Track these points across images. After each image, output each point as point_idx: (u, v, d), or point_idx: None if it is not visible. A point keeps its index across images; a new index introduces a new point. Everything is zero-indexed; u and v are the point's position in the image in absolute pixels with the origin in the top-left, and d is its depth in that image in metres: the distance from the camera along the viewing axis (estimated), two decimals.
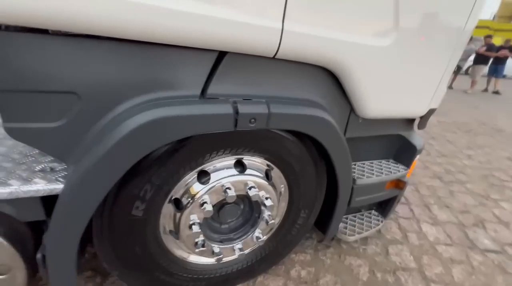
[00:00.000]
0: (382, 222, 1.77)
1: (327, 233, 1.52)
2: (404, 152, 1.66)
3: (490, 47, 9.47)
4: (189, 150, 0.94)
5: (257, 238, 1.25)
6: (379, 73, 1.17)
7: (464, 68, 12.61)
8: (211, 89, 0.91)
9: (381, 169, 1.58)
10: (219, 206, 1.17)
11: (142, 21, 0.71)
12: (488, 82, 10.38)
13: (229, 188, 1.06)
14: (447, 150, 3.75)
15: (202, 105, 0.87)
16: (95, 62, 0.76)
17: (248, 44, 0.86)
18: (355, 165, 1.59)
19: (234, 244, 1.24)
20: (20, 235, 0.92)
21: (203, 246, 1.13)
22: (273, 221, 1.22)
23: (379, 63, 1.14)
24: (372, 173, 1.53)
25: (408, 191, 2.51)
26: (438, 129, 4.74)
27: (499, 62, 9.58)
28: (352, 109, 1.30)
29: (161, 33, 0.75)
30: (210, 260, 1.24)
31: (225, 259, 1.28)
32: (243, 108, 0.90)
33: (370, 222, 1.75)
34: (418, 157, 1.68)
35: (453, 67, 1.42)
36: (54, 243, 0.84)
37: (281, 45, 0.90)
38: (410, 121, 1.63)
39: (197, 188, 1.04)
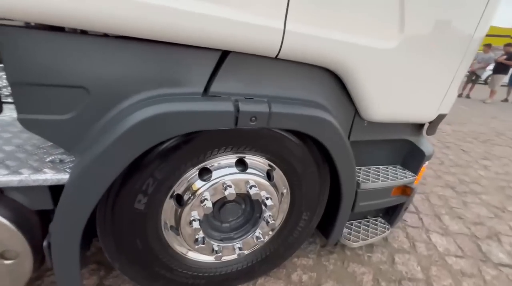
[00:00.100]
0: (388, 229, 1.73)
1: (330, 237, 1.49)
2: (412, 157, 1.63)
3: (510, 56, 9.14)
4: (190, 146, 0.97)
5: (258, 238, 1.25)
6: (383, 76, 1.16)
7: (484, 77, 12.23)
8: (214, 88, 0.94)
9: (387, 174, 1.55)
10: (221, 204, 1.18)
11: (150, 20, 0.75)
12: (508, 92, 10.01)
13: (229, 186, 1.07)
14: (461, 159, 3.62)
15: (204, 103, 0.90)
16: (104, 59, 0.80)
17: (250, 44, 0.88)
18: (360, 169, 1.56)
19: (234, 243, 1.24)
20: (29, 222, 0.96)
21: (203, 243, 1.14)
22: (273, 222, 1.21)
23: (383, 65, 1.13)
24: (377, 177, 1.50)
25: (418, 200, 2.43)
26: (453, 138, 4.59)
27: None
28: (356, 112, 1.30)
29: (167, 32, 0.79)
30: (210, 258, 1.25)
31: (225, 258, 1.28)
32: (244, 107, 0.92)
33: (376, 229, 1.71)
34: (427, 163, 1.64)
35: (463, 73, 1.39)
36: (59, 231, 0.87)
37: (283, 46, 0.91)
38: (418, 127, 1.60)
39: (199, 184, 1.06)
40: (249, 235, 1.27)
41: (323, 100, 1.16)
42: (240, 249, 1.24)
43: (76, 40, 0.77)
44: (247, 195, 1.15)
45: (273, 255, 1.42)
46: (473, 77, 10.05)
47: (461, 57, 1.31)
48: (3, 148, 1.01)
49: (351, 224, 1.71)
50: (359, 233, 1.65)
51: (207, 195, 1.06)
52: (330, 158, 1.21)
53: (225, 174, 1.09)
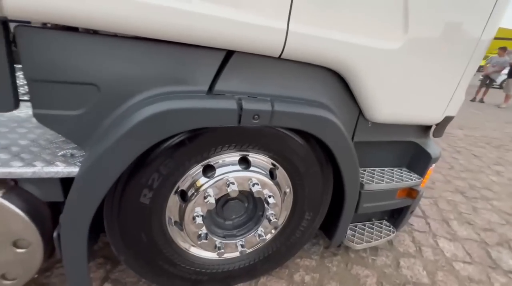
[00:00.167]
0: (393, 232, 1.71)
1: (333, 239, 1.49)
2: (418, 160, 1.61)
3: None
4: (195, 143, 1.00)
5: (260, 236, 1.26)
6: (387, 76, 1.16)
7: (499, 81, 11.89)
8: (218, 86, 0.96)
9: (392, 176, 1.54)
10: (224, 202, 1.21)
11: (158, 22, 0.78)
12: None
13: (232, 183, 1.10)
14: (473, 164, 3.53)
15: (208, 100, 0.92)
16: (114, 58, 0.84)
17: (254, 44, 0.91)
18: (364, 170, 1.56)
19: (236, 241, 1.26)
20: (41, 213, 1.00)
21: (205, 238, 1.16)
22: (276, 220, 1.22)
23: (387, 66, 1.13)
24: (382, 179, 1.49)
25: (425, 205, 2.39)
26: (464, 143, 4.48)
27: None
28: (360, 113, 1.30)
29: (175, 32, 0.82)
30: (213, 255, 1.27)
31: (227, 256, 1.30)
32: (247, 105, 0.94)
33: (381, 232, 1.69)
34: (433, 166, 1.62)
35: (471, 75, 1.37)
36: (68, 222, 0.91)
37: (286, 46, 0.93)
38: (424, 129, 1.58)
39: (202, 181, 1.09)
40: (251, 233, 1.28)
41: (326, 100, 1.17)
42: (242, 246, 1.25)
43: (89, 40, 0.81)
44: (250, 193, 1.17)
45: (275, 254, 1.43)
46: (487, 81, 9.80)
47: (468, 59, 1.30)
48: (19, 142, 1.06)
49: (355, 226, 1.69)
50: (363, 235, 1.63)
51: (210, 191, 1.08)
52: (333, 158, 1.22)
53: (229, 171, 1.11)
